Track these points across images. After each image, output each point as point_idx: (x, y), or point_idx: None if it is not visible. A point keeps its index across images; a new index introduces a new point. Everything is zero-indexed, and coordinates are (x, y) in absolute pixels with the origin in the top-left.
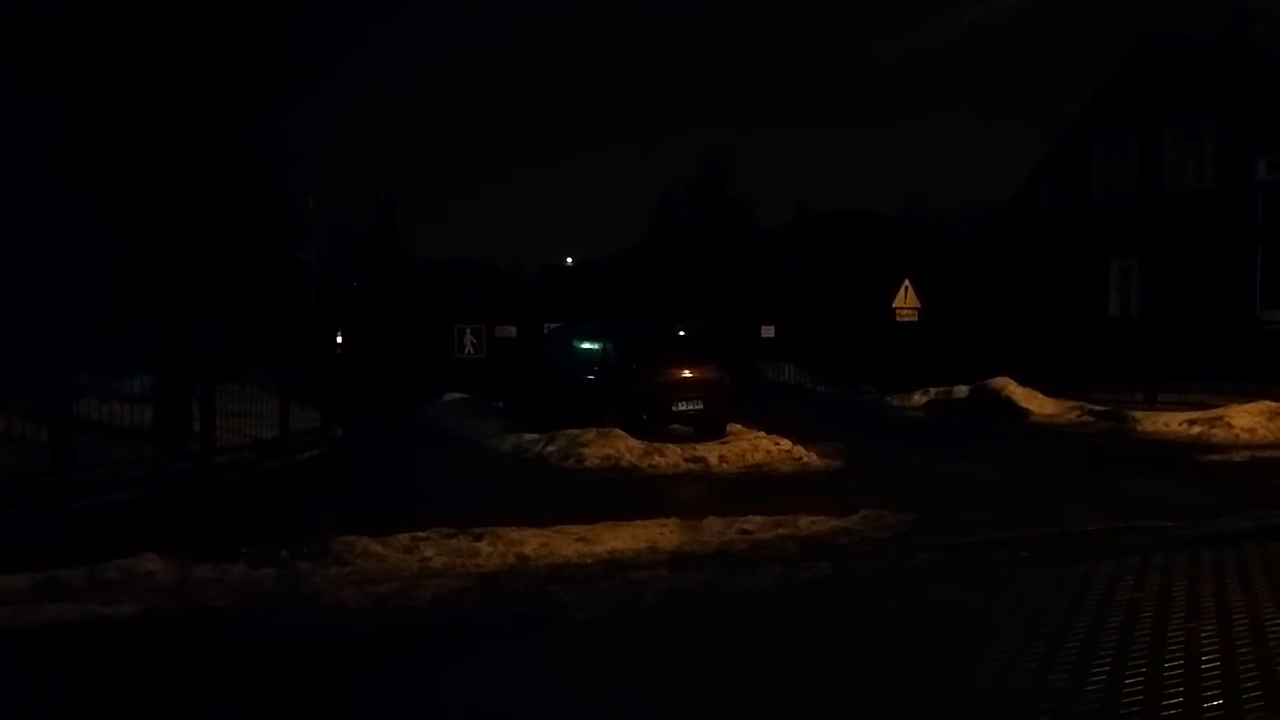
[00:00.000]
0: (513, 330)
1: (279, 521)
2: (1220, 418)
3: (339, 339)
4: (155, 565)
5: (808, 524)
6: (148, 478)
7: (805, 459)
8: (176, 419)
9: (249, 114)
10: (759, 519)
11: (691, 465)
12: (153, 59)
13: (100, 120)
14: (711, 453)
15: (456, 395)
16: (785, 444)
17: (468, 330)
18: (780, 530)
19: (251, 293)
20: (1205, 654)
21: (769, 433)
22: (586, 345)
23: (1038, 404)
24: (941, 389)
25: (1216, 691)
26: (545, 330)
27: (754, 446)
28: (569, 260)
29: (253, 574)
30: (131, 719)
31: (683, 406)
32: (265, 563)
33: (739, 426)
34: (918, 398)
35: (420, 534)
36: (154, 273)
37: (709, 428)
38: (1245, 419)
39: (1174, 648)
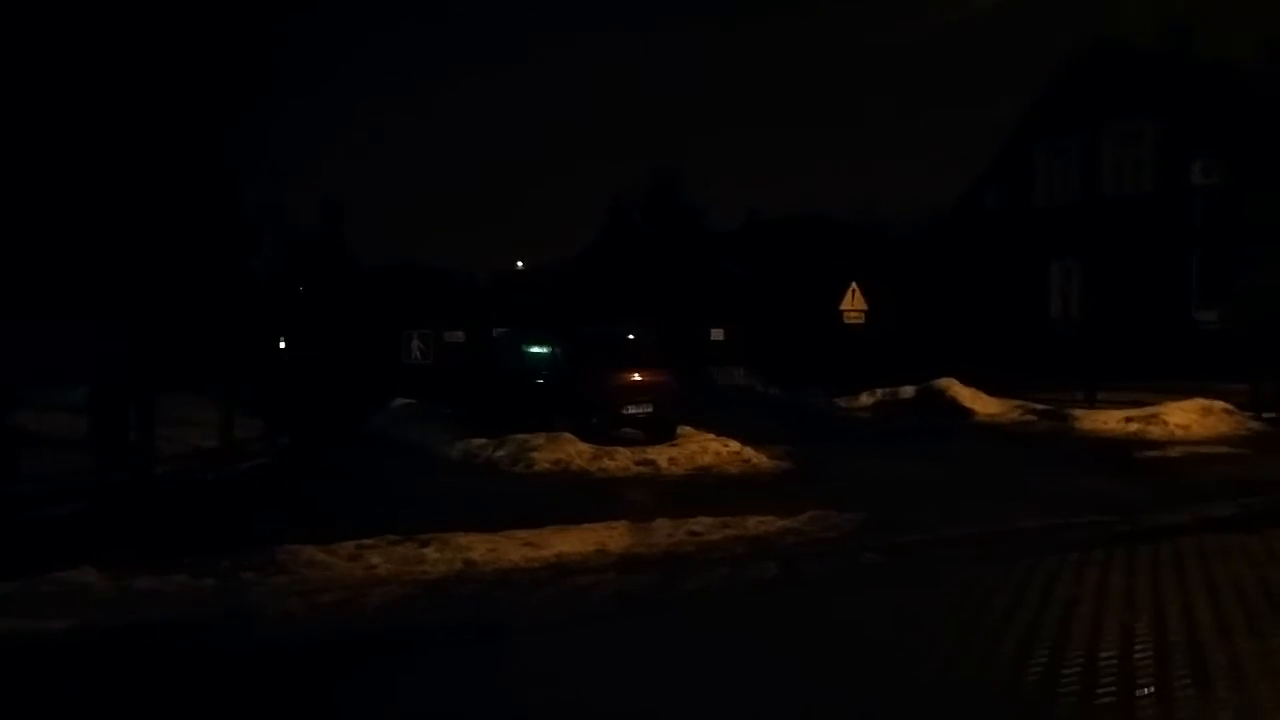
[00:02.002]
0: (461, 335)
1: (221, 532)
2: (1156, 415)
3: (282, 345)
4: (92, 577)
5: (755, 525)
6: (87, 489)
7: (754, 460)
8: (113, 430)
9: (200, 119)
10: (707, 520)
11: (641, 468)
12: (100, 53)
13: (45, 121)
14: (661, 455)
15: (404, 402)
16: (734, 446)
17: (415, 336)
18: (728, 531)
19: (193, 299)
20: (1139, 645)
21: (718, 435)
22: (535, 350)
23: (981, 404)
24: (888, 390)
25: (1149, 680)
26: (494, 335)
27: (703, 449)
28: (520, 265)
29: (194, 585)
30: None
31: (632, 410)
32: (207, 573)
33: (689, 429)
34: (865, 399)
35: (366, 542)
36: (90, 278)
37: (659, 431)
38: (1180, 416)
39: (1109, 639)
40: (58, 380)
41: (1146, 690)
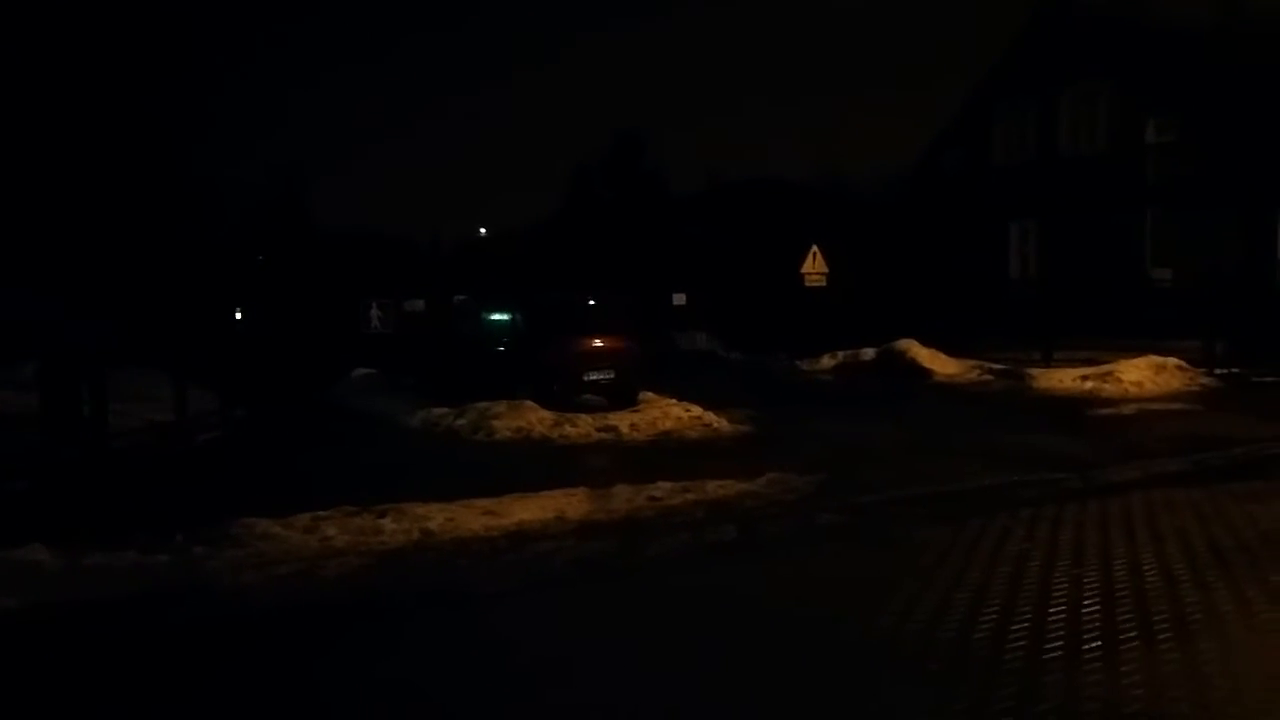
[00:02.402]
0: (421, 304)
1: (175, 506)
2: (1111, 373)
3: (237, 315)
4: (42, 555)
5: (715, 489)
6: (36, 467)
7: (715, 425)
8: (64, 404)
9: (147, 84)
10: (668, 485)
11: (603, 434)
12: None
13: None
14: (623, 421)
15: (364, 371)
16: (696, 411)
17: (374, 305)
18: (688, 496)
19: (143, 270)
20: (1087, 599)
21: (680, 400)
22: (496, 317)
23: (940, 364)
24: (849, 353)
25: (1096, 634)
26: (455, 303)
27: (665, 414)
28: (482, 231)
29: (146, 561)
30: (11, 716)
31: (594, 376)
32: (159, 549)
33: (651, 395)
34: (826, 361)
35: (322, 514)
36: (36, 251)
37: (621, 397)
38: (1134, 373)
39: (1058, 594)
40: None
41: (1094, 644)
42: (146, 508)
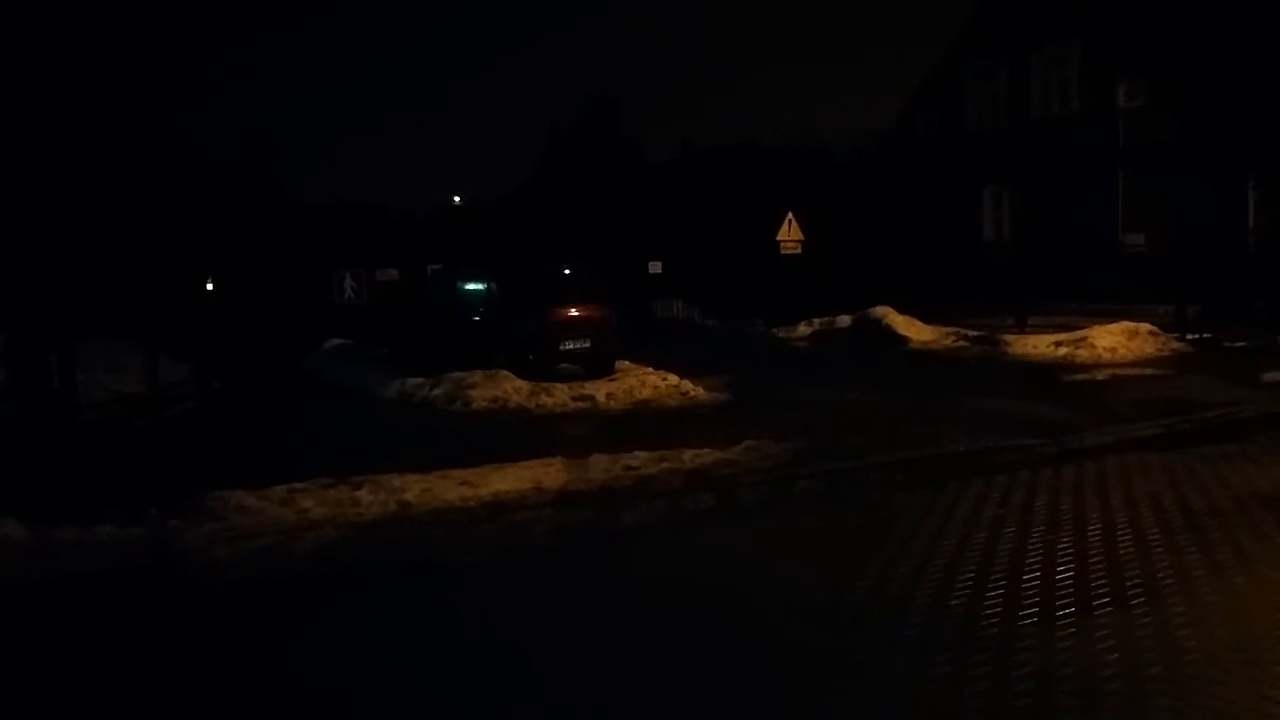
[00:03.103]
0: (395, 274)
1: (149, 479)
2: (1085, 339)
3: (209, 287)
4: (13, 530)
5: (692, 457)
6: (5, 440)
7: (692, 393)
8: (34, 378)
9: (115, 55)
10: (644, 454)
11: (580, 404)
12: None
13: None
14: (600, 390)
15: (338, 342)
16: (673, 379)
17: (347, 275)
18: (665, 464)
19: (111, 241)
20: (1061, 564)
21: (657, 369)
22: (471, 287)
23: (916, 331)
24: (825, 319)
25: (1069, 599)
26: (429, 273)
27: (642, 383)
28: (456, 200)
29: (120, 534)
30: None
31: (571, 345)
32: (134, 523)
33: (628, 363)
34: (803, 329)
35: (298, 485)
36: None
37: (598, 366)
38: (1107, 339)
39: (1033, 560)
40: None
41: (1068, 611)
42: (120, 481)
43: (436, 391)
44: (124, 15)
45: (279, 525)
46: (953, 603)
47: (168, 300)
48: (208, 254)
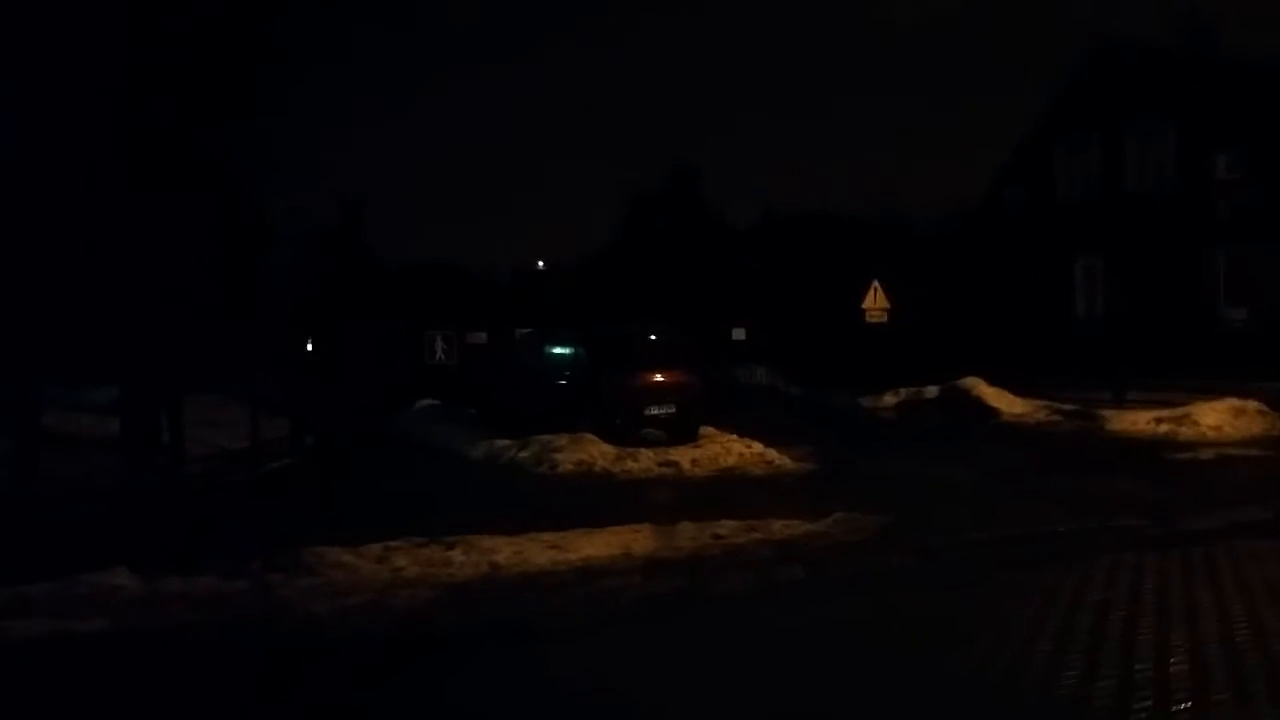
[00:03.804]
0: (484, 336)
1: (248, 533)
2: (1187, 415)
3: (309, 346)
4: (124, 579)
5: (780, 528)
6: (116, 490)
7: (777, 462)
8: (144, 431)
9: (219, 118)
10: (732, 523)
11: (664, 469)
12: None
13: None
14: (684, 456)
15: (428, 402)
16: (758, 447)
17: (439, 337)
18: (754, 534)
19: (218, 302)
20: (1175, 654)
21: (741, 436)
22: (558, 350)
23: (1007, 403)
24: (912, 390)
25: (1186, 693)
26: (517, 336)
27: (726, 450)
28: (540, 264)
29: (223, 587)
30: None
31: (655, 410)
32: (235, 575)
33: (711, 430)
34: (888, 399)
35: (392, 544)
36: (118, 279)
37: (681, 431)
38: (1212, 417)
39: (1143, 648)
40: (92, 380)
41: (1184, 705)
42: (222, 533)
43: (524, 454)
44: (229, 91)
45: (374, 583)
46: (1059, 690)
47: (269, 357)
48: (304, 312)
